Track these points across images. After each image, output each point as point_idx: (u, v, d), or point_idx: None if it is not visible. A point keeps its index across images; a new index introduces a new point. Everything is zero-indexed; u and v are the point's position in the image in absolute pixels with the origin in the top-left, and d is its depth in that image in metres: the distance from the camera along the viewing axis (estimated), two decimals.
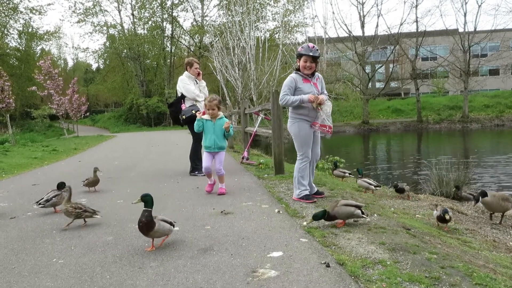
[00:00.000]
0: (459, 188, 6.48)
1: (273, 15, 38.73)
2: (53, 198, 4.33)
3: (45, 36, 44.90)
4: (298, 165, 4.54)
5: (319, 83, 4.56)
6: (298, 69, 4.48)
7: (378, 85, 49.02)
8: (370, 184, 5.56)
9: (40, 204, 4.29)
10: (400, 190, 5.75)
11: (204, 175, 6.65)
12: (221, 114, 5.17)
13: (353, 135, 32.86)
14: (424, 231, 3.76)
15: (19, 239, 3.53)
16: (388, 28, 44.28)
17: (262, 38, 25.40)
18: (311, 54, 4.32)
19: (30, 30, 43.54)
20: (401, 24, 37.03)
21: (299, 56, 4.40)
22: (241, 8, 23.63)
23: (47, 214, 4.43)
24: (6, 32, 42.97)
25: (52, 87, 24.03)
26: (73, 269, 2.74)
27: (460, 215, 5.36)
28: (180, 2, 41.90)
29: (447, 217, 3.99)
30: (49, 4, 53.87)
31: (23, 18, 42.84)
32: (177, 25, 42.88)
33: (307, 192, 4.53)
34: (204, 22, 42.14)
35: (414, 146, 22.81)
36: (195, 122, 5.17)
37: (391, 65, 42.69)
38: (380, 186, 5.90)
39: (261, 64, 21.92)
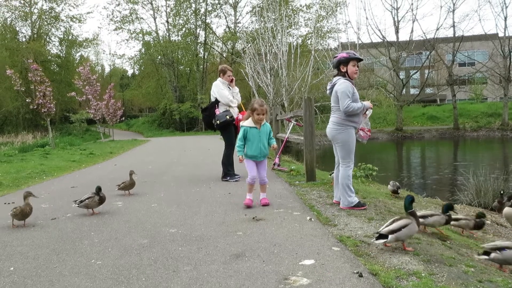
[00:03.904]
0: (503, 194, 6.23)
1: (306, 21, 38.70)
2: (86, 200, 4.55)
3: (84, 43, 46.68)
4: (346, 172, 4.42)
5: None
6: (343, 76, 4.45)
7: (412, 91, 47.90)
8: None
9: (76, 202, 4.59)
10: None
11: (236, 180, 6.74)
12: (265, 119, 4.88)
13: (386, 142, 32.24)
14: (460, 242, 3.66)
15: (59, 239, 3.68)
16: (424, 33, 43.22)
17: (294, 44, 25.42)
18: (360, 57, 4.38)
19: (70, 37, 45.36)
20: (437, 29, 36.46)
21: (346, 62, 4.38)
22: (273, 14, 23.75)
23: (85, 215, 4.59)
24: (48, 39, 44.99)
25: (90, 93, 24.85)
26: (110, 270, 2.84)
27: (499, 227, 5.18)
28: (213, 9, 42.54)
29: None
30: (88, 13, 55.84)
31: (64, 26, 44.82)
32: (210, 32, 43.50)
33: (358, 200, 4.49)
34: (237, 28, 42.58)
35: (450, 154, 22.13)
36: (240, 134, 4.78)
37: (426, 71, 41.60)
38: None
39: (293, 70, 21.90)
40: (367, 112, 4.48)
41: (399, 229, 2.99)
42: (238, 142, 4.72)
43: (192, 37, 42.59)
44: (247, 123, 4.72)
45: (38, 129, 34.87)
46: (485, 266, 2.93)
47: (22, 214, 4.12)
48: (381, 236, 3.03)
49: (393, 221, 3.09)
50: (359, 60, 4.42)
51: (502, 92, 36.24)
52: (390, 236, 2.98)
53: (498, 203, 6.33)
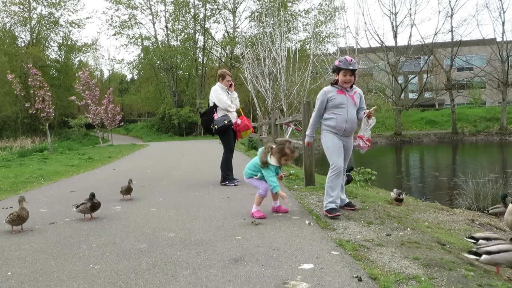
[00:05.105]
0: (506, 197, 6.18)
1: (304, 26, 38.97)
2: (80, 206, 4.57)
3: (83, 48, 46.81)
4: (328, 175, 4.43)
5: (356, 96, 4.42)
6: (335, 83, 4.42)
7: (411, 95, 48.14)
8: None
9: (75, 207, 4.68)
10: None
11: (235, 185, 6.73)
12: None
13: (385, 147, 32.25)
14: (460, 246, 3.65)
15: (57, 244, 3.66)
16: (422, 38, 43.50)
17: (293, 48, 25.50)
18: (350, 67, 4.23)
19: (69, 42, 45.48)
20: (436, 34, 36.54)
21: (337, 70, 4.31)
22: (272, 19, 23.84)
23: (83, 220, 4.58)
24: (47, 44, 45.09)
25: (90, 97, 24.86)
26: (108, 275, 2.82)
27: (498, 231, 5.17)
28: (212, 14, 42.76)
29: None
30: (87, 18, 56.03)
31: (63, 31, 44.98)
32: (209, 37, 43.67)
33: (333, 205, 4.29)
34: (236, 33, 42.73)
35: (449, 159, 22.15)
36: (273, 172, 4.40)
37: (424, 76, 41.78)
38: None
39: (291, 75, 21.95)
40: (370, 121, 4.41)
41: (497, 252, 2.87)
42: (274, 179, 4.35)
43: (191, 42, 42.75)
44: (274, 162, 4.39)
45: (36, 134, 34.87)
46: (485, 270, 2.92)
47: (20, 218, 4.11)
48: (477, 253, 2.95)
49: (498, 243, 3.00)
50: (351, 70, 4.24)
51: (501, 97, 36.36)
52: (484, 256, 2.89)
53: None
